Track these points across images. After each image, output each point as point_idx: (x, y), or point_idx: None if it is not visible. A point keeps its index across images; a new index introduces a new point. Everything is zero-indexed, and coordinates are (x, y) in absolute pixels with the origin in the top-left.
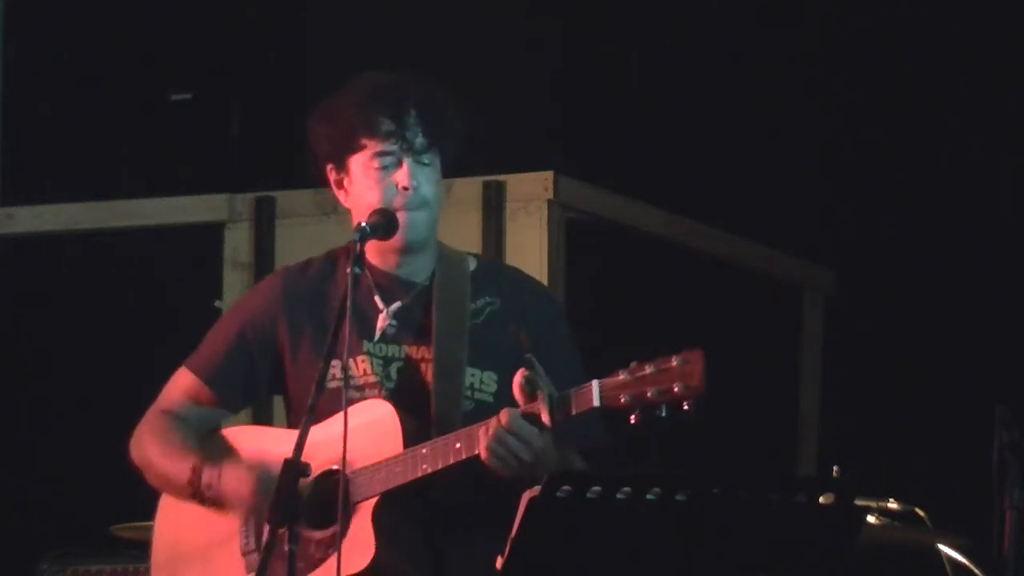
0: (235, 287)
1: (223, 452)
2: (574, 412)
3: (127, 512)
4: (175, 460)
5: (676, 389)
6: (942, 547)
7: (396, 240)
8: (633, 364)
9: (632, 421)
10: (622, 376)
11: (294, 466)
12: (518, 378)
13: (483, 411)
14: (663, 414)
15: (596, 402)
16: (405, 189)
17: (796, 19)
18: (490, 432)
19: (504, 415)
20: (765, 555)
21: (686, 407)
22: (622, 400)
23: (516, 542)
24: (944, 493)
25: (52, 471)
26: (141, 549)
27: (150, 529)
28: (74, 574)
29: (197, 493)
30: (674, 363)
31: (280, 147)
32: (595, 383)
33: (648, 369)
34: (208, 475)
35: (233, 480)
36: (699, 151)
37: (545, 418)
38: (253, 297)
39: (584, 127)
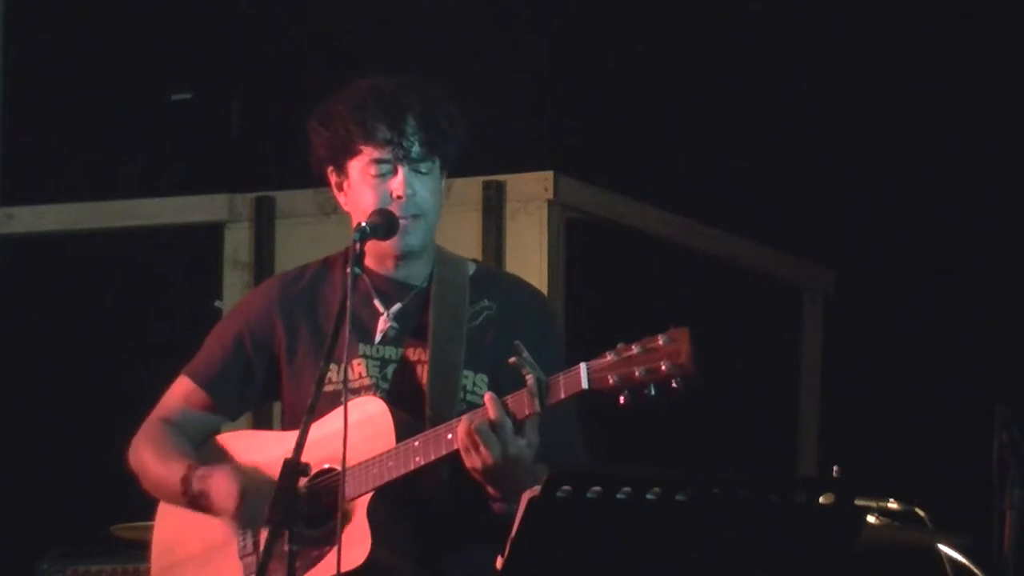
0: (235, 287)
1: (215, 457)
2: (563, 395)
3: (127, 512)
4: (168, 465)
5: (663, 368)
6: (942, 547)
7: (391, 247)
8: (620, 345)
9: (621, 402)
10: (609, 357)
11: (294, 466)
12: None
13: None
14: (652, 394)
15: (584, 384)
16: (399, 198)
17: (796, 19)
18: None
19: (491, 406)
20: (765, 555)
21: (674, 385)
22: (610, 381)
23: (516, 542)
24: (944, 493)
25: (52, 471)
26: (141, 549)
27: (150, 530)
28: (74, 574)
29: (190, 498)
30: (660, 342)
31: (280, 147)
32: (583, 365)
33: (635, 349)
34: (199, 480)
35: (223, 485)
36: (699, 151)
37: (535, 402)
38: (250, 302)
39: (584, 127)
